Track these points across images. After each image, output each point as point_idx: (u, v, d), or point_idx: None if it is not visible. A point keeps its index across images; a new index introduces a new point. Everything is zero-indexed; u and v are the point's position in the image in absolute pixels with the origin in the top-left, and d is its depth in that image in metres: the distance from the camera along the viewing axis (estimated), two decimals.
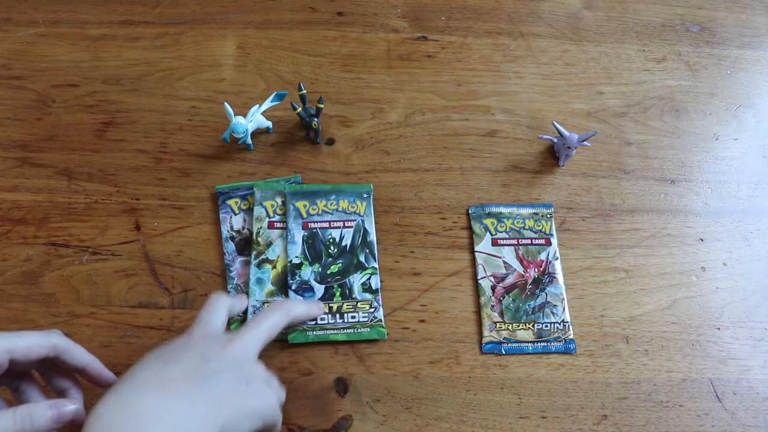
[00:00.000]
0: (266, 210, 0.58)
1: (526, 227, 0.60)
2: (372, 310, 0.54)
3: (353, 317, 0.54)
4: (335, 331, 0.53)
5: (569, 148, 0.61)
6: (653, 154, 0.66)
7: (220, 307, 0.46)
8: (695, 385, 0.53)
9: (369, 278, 0.55)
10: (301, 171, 0.62)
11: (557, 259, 0.58)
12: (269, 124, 0.63)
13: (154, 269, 0.56)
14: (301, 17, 0.73)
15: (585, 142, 0.61)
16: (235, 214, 0.58)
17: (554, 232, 0.60)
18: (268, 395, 0.43)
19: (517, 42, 0.73)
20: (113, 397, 0.37)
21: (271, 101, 0.62)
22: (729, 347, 0.55)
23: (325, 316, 0.54)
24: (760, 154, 0.67)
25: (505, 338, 0.54)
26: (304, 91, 0.61)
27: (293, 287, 0.55)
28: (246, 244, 0.57)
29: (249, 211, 0.59)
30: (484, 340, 0.54)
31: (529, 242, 0.59)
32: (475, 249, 0.58)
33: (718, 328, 0.56)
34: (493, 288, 0.56)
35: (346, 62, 0.70)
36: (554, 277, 0.57)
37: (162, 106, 0.65)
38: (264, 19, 0.72)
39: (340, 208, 0.58)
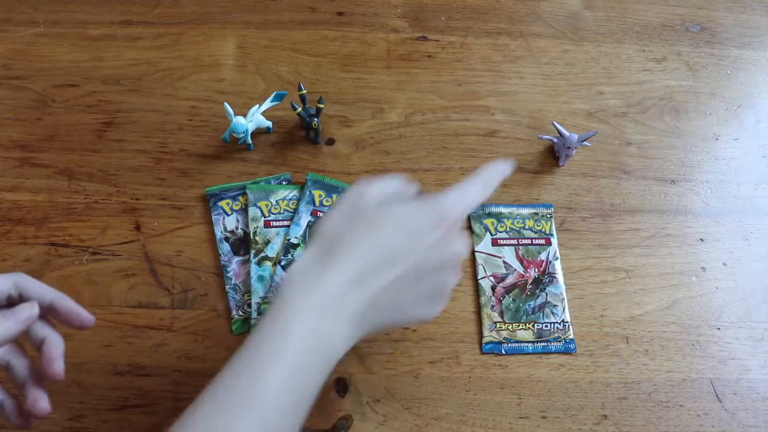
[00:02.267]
0: (261, 210, 0.58)
1: (526, 227, 0.60)
2: None
3: None
4: None
5: (569, 148, 0.61)
6: (653, 154, 0.66)
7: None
8: (695, 385, 0.53)
9: None
10: (301, 171, 0.62)
11: (557, 259, 0.58)
12: (269, 124, 0.63)
13: (154, 269, 0.56)
14: (301, 17, 0.73)
15: (585, 142, 0.61)
16: (228, 215, 0.58)
17: (554, 232, 0.60)
18: (428, 309, 0.42)
19: (517, 42, 0.73)
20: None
21: (271, 101, 0.62)
22: (729, 347, 0.55)
23: None
24: (760, 154, 0.67)
25: (505, 338, 0.54)
26: (304, 91, 0.61)
27: (282, 263, 0.56)
28: (240, 244, 0.57)
29: (241, 211, 0.59)
30: (484, 340, 0.54)
31: (529, 242, 0.59)
32: (475, 249, 0.58)
33: (718, 328, 0.56)
34: (493, 288, 0.56)
35: (346, 62, 0.70)
36: (554, 277, 0.57)
37: (162, 106, 0.65)
38: (264, 19, 0.72)
39: None
